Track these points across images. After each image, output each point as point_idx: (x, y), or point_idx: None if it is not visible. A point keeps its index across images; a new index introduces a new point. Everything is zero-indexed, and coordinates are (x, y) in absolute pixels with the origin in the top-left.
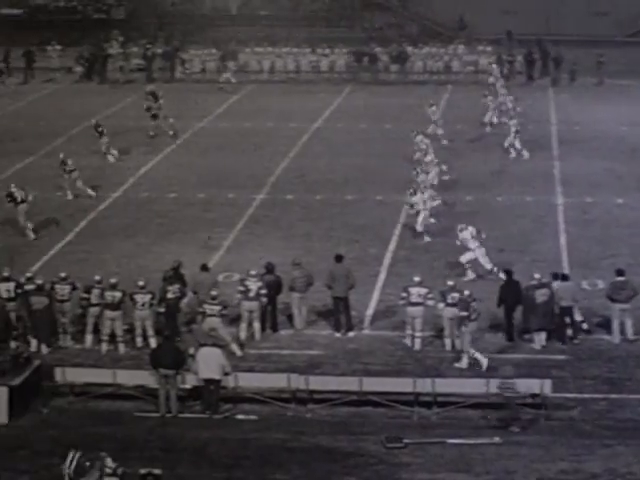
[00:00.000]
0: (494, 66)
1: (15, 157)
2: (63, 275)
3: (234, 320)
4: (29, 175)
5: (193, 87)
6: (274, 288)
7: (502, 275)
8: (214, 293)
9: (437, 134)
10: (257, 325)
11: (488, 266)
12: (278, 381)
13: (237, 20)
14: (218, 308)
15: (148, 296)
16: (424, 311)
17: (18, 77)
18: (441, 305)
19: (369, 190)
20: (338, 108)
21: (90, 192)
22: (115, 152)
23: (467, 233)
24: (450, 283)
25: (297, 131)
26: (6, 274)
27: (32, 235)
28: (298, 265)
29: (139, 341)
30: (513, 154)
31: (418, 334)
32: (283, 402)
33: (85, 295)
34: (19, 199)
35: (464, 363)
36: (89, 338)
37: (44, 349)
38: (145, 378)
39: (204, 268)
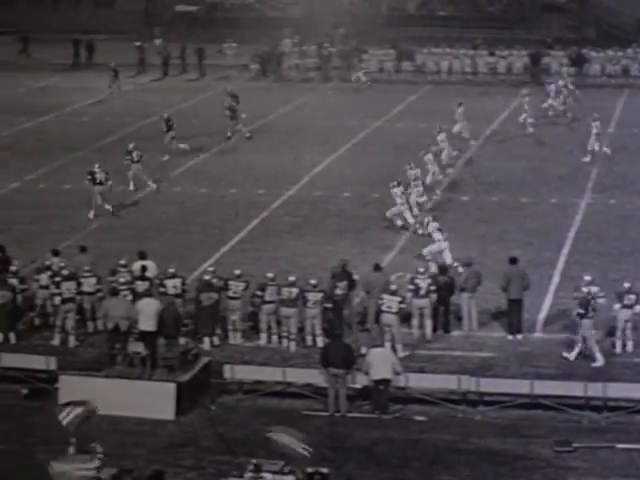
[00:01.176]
0: (565, 69)
1: (188, 154)
2: (238, 272)
3: (404, 320)
4: (202, 171)
5: (369, 86)
6: (447, 289)
7: (460, 269)
8: (394, 287)
9: (461, 134)
10: (429, 322)
11: (449, 260)
12: (449, 382)
13: (415, 20)
14: (397, 300)
15: (320, 294)
16: None
17: (192, 73)
18: (617, 306)
19: (544, 193)
20: (515, 111)
21: (151, 184)
22: (184, 146)
23: (435, 226)
24: (627, 285)
25: (473, 133)
26: (172, 270)
27: (92, 216)
28: (469, 265)
29: (309, 339)
30: (588, 157)
31: None
32: (453, 403)
33: (259, 292)
34: (98, 180)
35: (573, 355)
36: (263, 336)
37: (212, 344)
38: (315, 377)
39: (377, 268)
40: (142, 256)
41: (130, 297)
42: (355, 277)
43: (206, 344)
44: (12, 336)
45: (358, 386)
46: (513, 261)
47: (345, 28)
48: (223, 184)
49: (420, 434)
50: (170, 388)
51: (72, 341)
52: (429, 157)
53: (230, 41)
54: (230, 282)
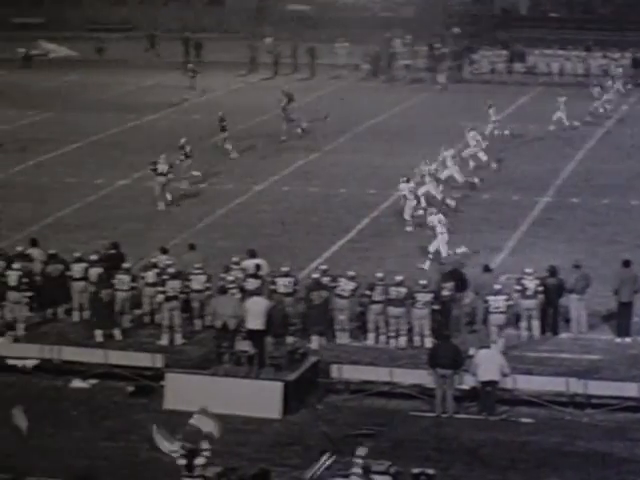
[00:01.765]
0: (620, 70)
1: (300, 153)
2: (351, 274)
3: (513, 321)
4: (312, 171)
5: (481, 88)
6: (555, 291)
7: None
8: (498, 287)
9: (494, 134)
10: (536, 323)
11: (444, 254)
12: (556, 385)
13: (526, 21)
14: (503, 298)
15: (429, 295)
16: None
17: (303, 73)
18: None
19: None
20: (628, 112)
21: (187, 186)
22: (229, 147)
23: (435, 219)
24: None
25: (584, 134)
26: (286, 269)
27: (163, 207)
28: (578, 267)
29: (417, 340)
30: None
31: None
32: (560, 406)
33: (367, 292)
34: (159, 171)
35: None
36: (371, 336)
37: (320, 343)
38: (422, 377)
39: (486, 269)
40: (252, 254)
41: (239, 295)
42: (466, 278)
43: (314, 343)
44: (117, 332)
45: (466, 387)
46: (626, 264)
47: (457, 28)
48: (334, 183)
49: (527, 436)
50: (277, 387)
51: (179, 339)
52: (451, 153)
53: (342, 40)
54: (340, 279)
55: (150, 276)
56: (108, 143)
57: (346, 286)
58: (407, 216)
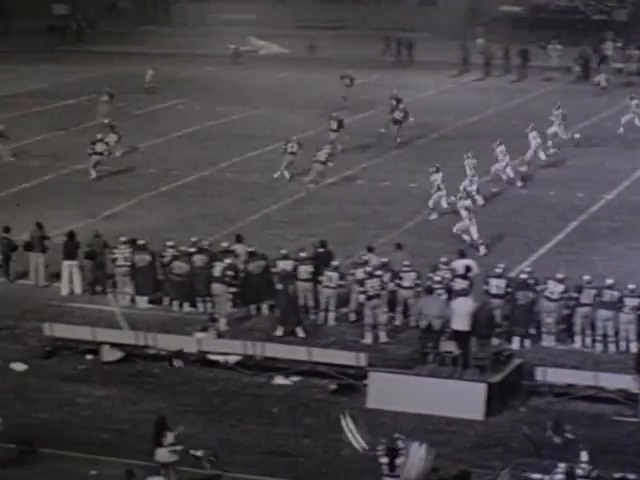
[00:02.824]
0: None
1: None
2: (560, 276)
3: None
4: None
5: None
6: None
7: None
8: None
9: (559, 135)
10: None
11: (476, 236)
12: None
13: None
14: None
15: (637, 300)
16: None
17: (514, 74)
18: None
19: None
20: None
21: (286, 174)
22: (338, 148)
23: (463, 204)
24: None
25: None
26: (499, 270)
27: (277, 175)
28: None
29: (622, 345)
30: None
31: None
32: None
33: (574, 295)
34: (289, 150)
35: None
36: (578, 339)
37: (522, 345)
38: (627, 382)
39: None
40: (462, 255)
41: (445, 296)
42: None
43: (515, 343)
44: (299, 330)
45: None
46: None
47: None
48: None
49: None
50: (481, 388)
51: (383, 337)
52: (501, 149)
53: (554, 42)
54: (549, 282)
55: (359, 273)
56: (316, 141)
57: (555, 288)
58: (431, 204)
